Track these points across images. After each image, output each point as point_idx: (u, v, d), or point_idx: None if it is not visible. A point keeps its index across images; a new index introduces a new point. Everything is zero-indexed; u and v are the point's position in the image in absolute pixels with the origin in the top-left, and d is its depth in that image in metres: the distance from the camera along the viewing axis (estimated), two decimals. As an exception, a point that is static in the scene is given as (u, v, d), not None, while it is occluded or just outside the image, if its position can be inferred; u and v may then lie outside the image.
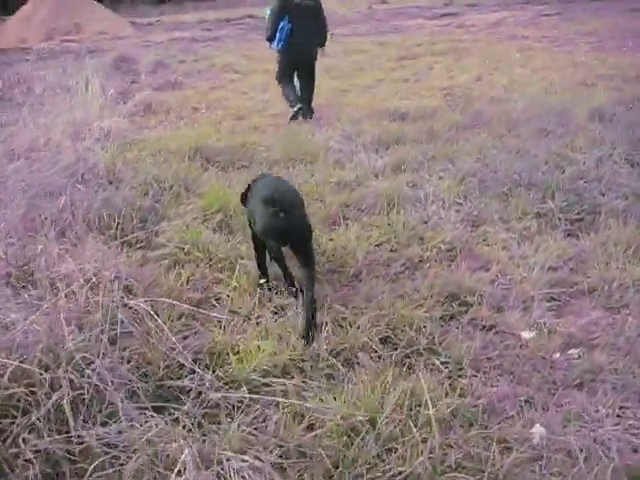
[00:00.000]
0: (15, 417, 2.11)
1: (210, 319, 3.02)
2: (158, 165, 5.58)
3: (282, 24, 7.79)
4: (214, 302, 3.36)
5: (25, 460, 2.02)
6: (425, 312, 3.12)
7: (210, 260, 3.76)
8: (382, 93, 9.66)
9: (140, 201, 4.49)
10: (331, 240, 4.06)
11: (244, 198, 3.79)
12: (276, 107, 8.93)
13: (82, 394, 2.20)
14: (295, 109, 8.02)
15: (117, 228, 3.97)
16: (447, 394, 2.52)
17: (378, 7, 27.39)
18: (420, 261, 3.79)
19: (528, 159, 5.32)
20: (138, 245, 3.87)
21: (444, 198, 4.59)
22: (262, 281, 3.44)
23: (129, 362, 2.54)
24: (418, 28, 19.28)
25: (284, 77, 8.31)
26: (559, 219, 4.23)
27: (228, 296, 3.22)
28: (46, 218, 3.85)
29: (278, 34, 7.85)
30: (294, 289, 3.36)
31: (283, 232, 3.20)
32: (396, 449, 2.21)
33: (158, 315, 2.68)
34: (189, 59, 14.97)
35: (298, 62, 8.22)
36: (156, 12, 38.37)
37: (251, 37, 19.45)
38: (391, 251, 3.91)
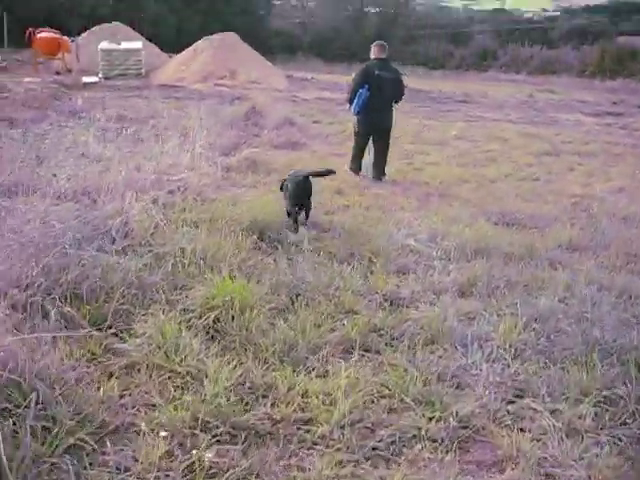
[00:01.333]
0: None
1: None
2: (206, 234, 4.98)
3: (361, 91, 8.45)
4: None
5: None
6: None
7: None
8: (502, 190, 8.71)
9: (140, 276, 3.89)
10: (320, 377, 3.22)
11: (281, 186, 6.41)
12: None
13: None
14: (354, 171, 8.80)
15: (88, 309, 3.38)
16: None
17: (540, 95, 26.20)
18: (413, 437, 2.79)
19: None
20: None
21: (493, 347, 3.59)
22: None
23: None
24: (575, 124, 18.01)
25: (358, 143, 8.97)
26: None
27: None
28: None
29: (356, 99, 8.49)
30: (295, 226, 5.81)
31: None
32: None
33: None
34: (325, 120, 14.73)
35: (374, 128, 8.76)
36: (325, 69, 39.44)
37: (400, 106, 19.05)
38: (386, 412, 2.98)
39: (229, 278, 3.97)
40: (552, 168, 10.79)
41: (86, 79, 20.11)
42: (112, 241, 4.52)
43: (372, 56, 8.89)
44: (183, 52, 23.89)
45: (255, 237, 5.16)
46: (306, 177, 6.17)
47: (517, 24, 66.60)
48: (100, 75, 21.26)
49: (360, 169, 8.88)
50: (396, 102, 8.97)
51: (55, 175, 6.51)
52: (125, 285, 3.78)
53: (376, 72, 8.54)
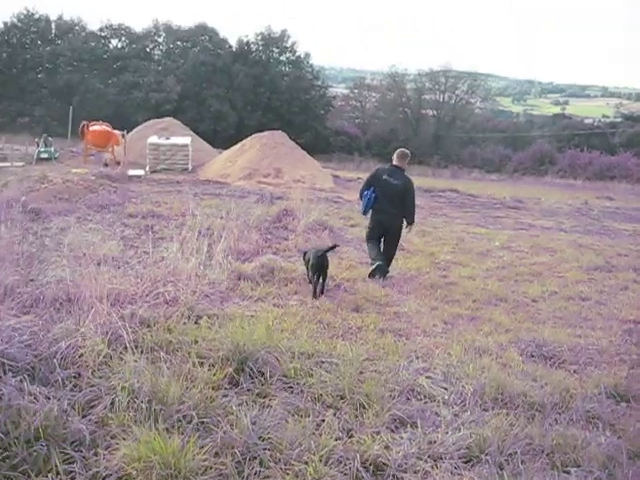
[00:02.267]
0: None
1: None
2: (169, 364, 4.24)
3: (367, 192, 8.98)
4: None
5: None
6: None
7: None
8: (543, 312, 7.77)
9: (56, 425, 3.14)
10: None
11: (304, 256, 8.06)
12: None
13: None
14: (374, 266, 8.70)
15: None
16: None
17: (596, 202, 25.19)
18: None
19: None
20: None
21: None
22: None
23: None
24: (633, 235, 16.94)
25: (370, 239, 9.22)
26: None
27: None
28: None
29: (363, 200, 9.05)
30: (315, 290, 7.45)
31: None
32: None
33: None
34: (365, 223, 13.89)
35: (382, 229, 9.10)
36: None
37: (448, 211, 18.37)
38: None
39: (158, 436, 3.16)
40: (604, 286, 9.79)
41: (132, 172, 20.25)
42: (51, 369, 3.82)
43: (392, 160, 9.32)
44: (232, 148, 24.03)
45: (231, 369, 4.38)
46: (325, 252, 7.79)
47: (577, 129, 66.40)
48: (147, 168, 21.42)
49: (379, 258, 8.91)
50: (408, 221, 9.19)
51: (33, 280, 5.98)
52: (32, 433, 3.03)
53: (384, 177, 8.99)
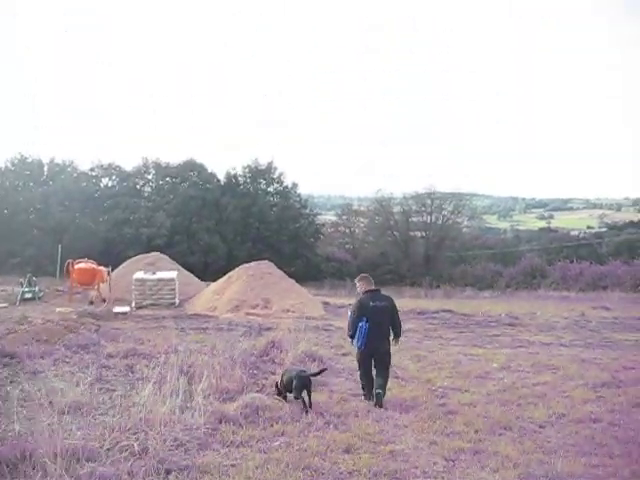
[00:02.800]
0: None
1: None
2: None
3: (361, 324, 8.89)
4: None
5: None
6: None
7: None
8: (552, 439, 7.14)
9: None
10: None
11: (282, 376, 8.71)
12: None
13: None
14: (377, 397, 8.66)
15: None
16: None
17: (593, 313, 24.71)
18: None
19: None
20: None
21: None
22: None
23: None
24: (635, 345, 16.37)
25: (364, 369, 9.16)
26: None
27: None
28: None
29: (358, 333, 8.93)
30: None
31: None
32: None
33: None
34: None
35: (375, 355, 9.08)
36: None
37: (443, 333, 17.82)
38: None
39: None
40: (614, 404, 9.16)
41: (117, 309, 19.78)
42: None
43: (360, 290, 9.45)
44: (218, 281, 23.71)
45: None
46: (310, 375, 8.60)
47: (564, 242, 67.03)
48: (133, 305, 20.97)
49: (371, 394, 8.87)
50: (396, 336, 9.39)
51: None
52: None
53: (371, 304, 9.04)
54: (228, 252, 55.37)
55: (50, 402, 6.66)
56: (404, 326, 18.90)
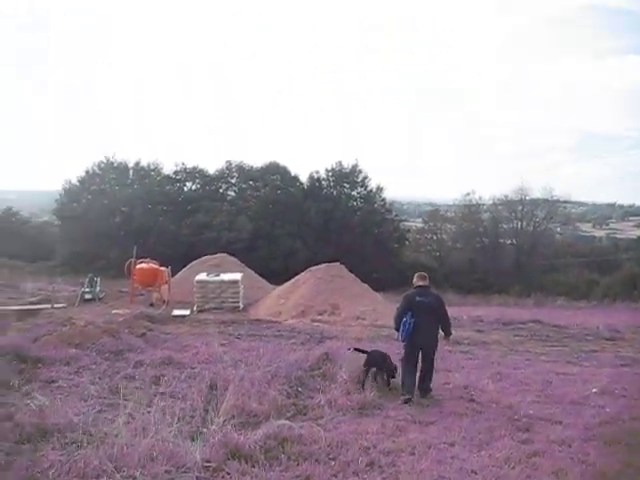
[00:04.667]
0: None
1: None
2: None
3: (405, 319, 8.95)
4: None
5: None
6: None
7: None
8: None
9: None
10: None
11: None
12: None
13: None
14: (405, 398, 8.67)
15: None
16: None
17: None
18: None
19: None
20: None
21: None
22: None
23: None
24: None
25: (407, 364, 9.15)
26: None
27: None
28: None
29: (402, 327, 8.98)
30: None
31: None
32: None
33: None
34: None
35: (421, 350, 9.11)
36: (458, 301, 36.77)
37: (531, 347, 15.69)
38: None
39: None
40: None
41: (176, 312, 18.66)
42: None
43: (414, 284, 9.53)
44: (285, 284, 22.22)
45: None
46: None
47: (667, 251, 62.47)
48: (194, 308, 19.78)
49: (412, 391, 8.93)
50: (446, 332, 9.40)
51: None
52: None
53: (417, 299, 9.13)
54: (310, 257, 54.03)
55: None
56: (487, 337, 17.23)
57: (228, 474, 5.19)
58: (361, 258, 49.63)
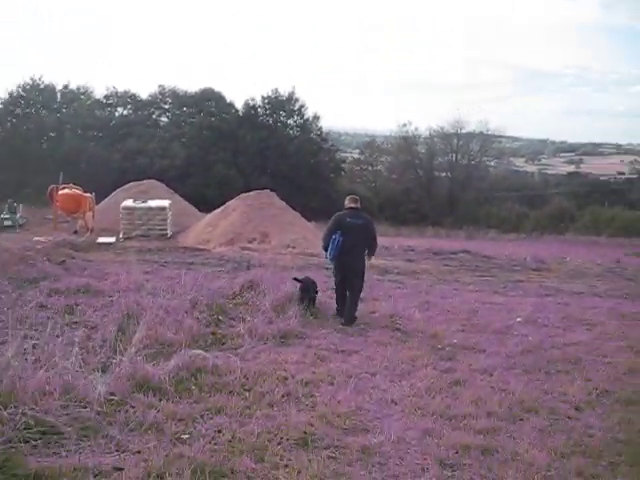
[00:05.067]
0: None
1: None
2: None
3: (334, 236, 9.02)
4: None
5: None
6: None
7: None
8: (595, 435, 5.13)
9: None
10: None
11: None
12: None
13: None
14: (342, 321, 8.92)
15: None
16: None
17: (629, 261, 22.43)
18: None
19: None
20: None
21: None
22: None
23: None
24: None
25: (339, 282, 9.40)
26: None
27: None
28: None
29: (331, 244, 9.02)
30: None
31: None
32: None
33: None
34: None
35: (349, 271, 9.24)
36: (392, 232, 36.98)
37: (460, 276, 15.77)
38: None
39: None
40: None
41: (101, 239, 17.99)
42: None
43: (346, 206, 9.53)
44: (215, 211, 21.65)
45: None
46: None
47: (593, 187, 64.21)
48: (120, 235, 19.12)
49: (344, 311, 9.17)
50: (370, 254, 9.52)
51: None
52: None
53: (347, 219, 9.20)
54: (245, 185, 53.20)
55: None
56: (417, 267, 17.26)
57: (132, 407, 4.85)
58: (297, 187, 49.30)
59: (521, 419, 5.37)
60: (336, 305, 9.45)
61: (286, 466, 4.11)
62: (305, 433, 4.64)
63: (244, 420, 4.87)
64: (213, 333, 7.46)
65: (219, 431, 4.63)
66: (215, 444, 4.39)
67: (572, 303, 12.41)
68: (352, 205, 9.45)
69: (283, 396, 5.51)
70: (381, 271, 14.95)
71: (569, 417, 5.51)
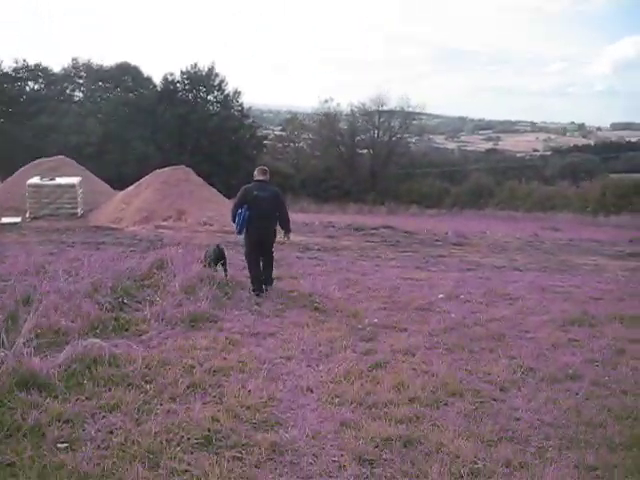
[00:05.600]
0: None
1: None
2: None
3: (241, 210, 8.95)
4: None
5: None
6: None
7: None
8: (522, 418, 4.85)
9: None
10: None
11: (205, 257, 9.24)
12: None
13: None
14: (256, 292, 8.84)
15: None
16: None
17: (545, 234, 22.79)
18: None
19: None
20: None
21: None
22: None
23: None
24: (596, 269, 14.41)
25: (250, 259, 9.24)
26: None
27: None
28: None
29: (237, 218, 9.00)
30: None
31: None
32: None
33: None
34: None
35: (259, 244, 9.17)
36: (313, 209, 36.69)
37: (381, 252, 15.49)
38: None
39: None
40: (593, 351, 6.97)
41: (5, 219, 16.86)
42: None
43: (255, 177, 9.42)
44: (128, 188, 20.66)
45: None
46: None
47: (510, 163, 65.86)
48: (27, 215, 17.98)
49: (260, 288, 8.98)
50: (285, 228, 9.39)
51: None
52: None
53: (254, 192, 9.06)
54: (164, 162, 51.58)
55: None
56: (338, 243, 16.92)
57: (11, 409, 4.23)
58: (218, 164, 48.42)
59: (445, 404, 5.04)
60: (251, 285, 9.09)
61: (185, 471, 3.62)
62: (209, 431, 4.15)
63: (141, 418, 4.34)
64: (116, 319, 6.83)
65: (110, 432, 4.09)
66: (105, 448, 3.85)
67: (493, 277, 12.31)
68: (261, 177, 9.35)
69: (188, 387, 5.01)
70: (301, 248, 14.53)
71: (494, 399, 5.21)
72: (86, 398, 4.63)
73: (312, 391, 5.16)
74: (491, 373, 5.90)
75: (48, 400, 4.46)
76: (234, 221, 9.15)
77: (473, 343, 7.04)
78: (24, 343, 5.42)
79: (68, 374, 4.96)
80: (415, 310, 8.66)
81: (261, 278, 9.12)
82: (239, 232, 9.14)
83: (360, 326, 7.45)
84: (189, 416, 4.39)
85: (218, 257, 9.28)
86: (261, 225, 9.00)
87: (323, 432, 4.28)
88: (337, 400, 4.95)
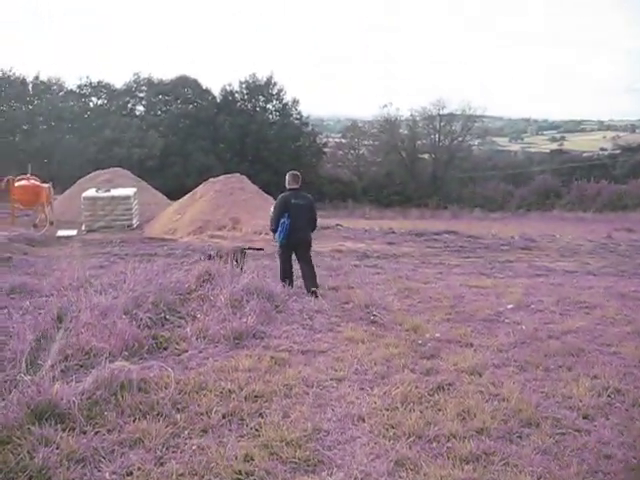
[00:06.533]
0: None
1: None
2: None
3: (283, 220, 9.19)
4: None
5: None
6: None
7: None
8: (613, 457, 4.07)
9: None
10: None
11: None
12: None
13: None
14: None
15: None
16: None
17: (619, 236, 21.49)
18: None
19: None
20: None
21: None
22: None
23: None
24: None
25: (284, 261, 9.47)
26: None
27: None
28: None
29: (280, 228, 9.22)
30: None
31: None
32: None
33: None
34: (327, 284, 10.25)
35: (297, 249, 9.47)
36: (376, 216, 35.98)
37: (445, 259, 14.71)
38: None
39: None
40: None
41: (61, 232, 16.79)
42: None
43: (287, 186, 9.57)
44: (182, 198, 20.43)
45: None
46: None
47: (577, 163, 63.73)
48: (83, 227, 17.90)
49: (291, 284, 9.25)
50: (312, 230, 9.70)
51: None
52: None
53: (292, 201, 9.26)
54: (225, 173, 52.05)
55: None
56: (398, 250, 16.20)
57: (19, 446, 3.73)
58: (278, 173, 48.23)
59: (519, 436, 4.31)
60: (283, 282, 9.21)
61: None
62: (240, 473, 3.55)
63: (165, 455, 3.78)
64: (154, 337, 6.34)
65: (129, 474, 3.54)
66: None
67: (565, 283, 11.40)
68: (294, 185, 9.54)
69: (223, 417, 4.43)
70: (359, 256, 13.89)
71: (578, 430, 4.45)
72: (107, 431, 4.11)
73: (364, 420, 4.51)
74: (572, 396, 5.12)
75: (63, 435, 3.95)
76: (275, 231, 9.34)
77: (548, 360, 6.26)
78: (51, 366, 4.97)
79: (91, 403, 4.46)
80: (481, 322, 7.91)
81: (292, 275, 9.48)
82: (282, 241, 9.25)
83: (420, 341, 6.75)
84: (220, 454, 3.81)
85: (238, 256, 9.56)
86: (301, 232, 9.28)
87: (374, 474, 3.63)
88: (392, 432, 4.28)
